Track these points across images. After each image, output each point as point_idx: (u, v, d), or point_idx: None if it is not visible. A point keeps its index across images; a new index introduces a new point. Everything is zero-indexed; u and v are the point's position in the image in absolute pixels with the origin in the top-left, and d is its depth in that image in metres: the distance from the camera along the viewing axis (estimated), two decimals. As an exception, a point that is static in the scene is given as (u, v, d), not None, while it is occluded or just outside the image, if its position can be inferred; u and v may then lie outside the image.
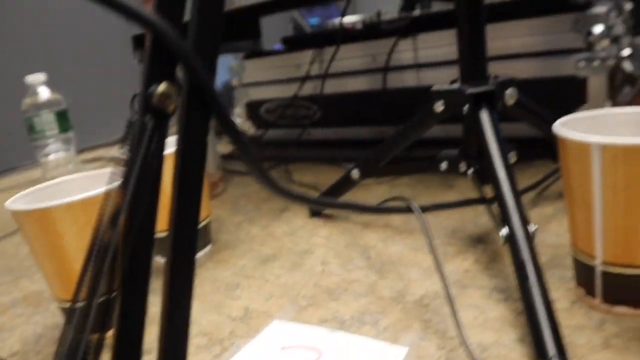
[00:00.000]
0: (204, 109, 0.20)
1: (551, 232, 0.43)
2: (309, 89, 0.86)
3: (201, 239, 0.49)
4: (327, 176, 0.71)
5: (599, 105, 0.67)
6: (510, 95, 0.42)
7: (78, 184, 0.41)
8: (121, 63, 1.53)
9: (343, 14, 0.63)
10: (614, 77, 0.72)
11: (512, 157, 0.44)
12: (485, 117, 0.38)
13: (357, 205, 0.44)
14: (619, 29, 0.72)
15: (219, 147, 0.96)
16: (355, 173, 0.50)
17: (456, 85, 0.41)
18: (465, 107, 0.40)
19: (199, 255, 0.50)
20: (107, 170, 0.42)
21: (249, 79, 0.97)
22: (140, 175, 0.18)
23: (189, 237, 0.20)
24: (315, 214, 0.55)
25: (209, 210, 0.51)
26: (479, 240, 0.44)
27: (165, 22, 0.18)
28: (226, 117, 0.21)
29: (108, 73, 1.58)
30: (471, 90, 0.39)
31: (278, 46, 1.16)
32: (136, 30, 0.87)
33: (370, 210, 0.43)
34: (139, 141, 0.18)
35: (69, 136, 0.69)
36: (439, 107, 0.42)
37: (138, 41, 0.87)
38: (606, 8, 0.64)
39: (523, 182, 0.53)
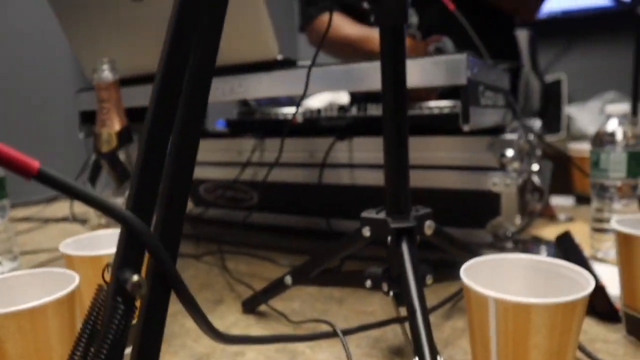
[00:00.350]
0: (166, 290, 0.24)
1: (460, 348, 0.49)
2: (248, 174, 0.90)
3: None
4: (261, 267, 0.75)
5: (510, 217, 0.75)
6: (429, 226, 0.48)
7: (23, 281, 0.43)
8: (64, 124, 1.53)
9: (298, 106, 0.69)
10: (524, 190, 0.81)
11: (429, 280, 0.49)
12: (405, 249, 0.44)
13: (284, 336, 0.48)
14: (530, 145, 0.82)
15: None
16: (288, 279, 0.54)
17: (382, 216, 0.47)
18: (388, 238, 0.45)
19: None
20: (54, 270, 0.43)
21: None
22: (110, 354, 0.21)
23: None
24: (248, 310, 0.59)
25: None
26: (397, 353, 0.49)
27: (137, 219, 0.22)
28: (188, 297, 0.24)
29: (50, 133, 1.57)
30: (394, 225, 0.45)
31: (221, 122, 1.20)
32: (85, 106, 0.89)
33: (296, 340, 0.47)
34: (109, 321, 0.21)
35: (3, 203, 0.70)
36: (366, 232, 0.48)
37: (85, 117, 0.89)
38: (517, 134, 0.73)
39: (445, 293, 0.58)
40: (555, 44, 2.42)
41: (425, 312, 0.40)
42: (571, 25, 2.35)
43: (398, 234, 0.45)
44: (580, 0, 2.30)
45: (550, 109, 2.24)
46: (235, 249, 0.84)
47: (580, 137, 2.24)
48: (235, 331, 0.54)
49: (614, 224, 0.49)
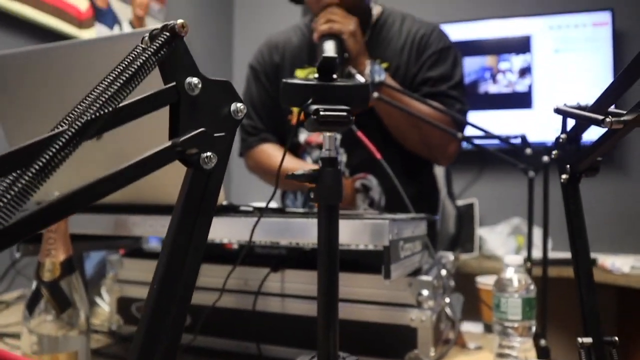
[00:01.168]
0: None
1: None
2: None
3: None
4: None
5: (426, 349, 0.83)
6: (355, 376, 0.55)
7: None
8: None
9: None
10: (438, 322, 0.90)
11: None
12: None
13: None
14: (443, 280, 0.92)
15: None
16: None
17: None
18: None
19: None
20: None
21: (125, 277, 1.02)
22: None
23: None
24: None
25: None
26: None
27: None
28: None
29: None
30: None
31: (154, 238, 1.24)
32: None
33: None
34: None
35: None
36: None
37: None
38: (432, 276, 0.83)
39: None
40: (468, 172, 2.68)
41: None
42: (482, 156, 2.62)
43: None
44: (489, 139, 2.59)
45: (465, 230, 2.44)
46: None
47: (490, 256, 2.43)
48: None
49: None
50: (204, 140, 0.29)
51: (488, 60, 2.71)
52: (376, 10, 1.39)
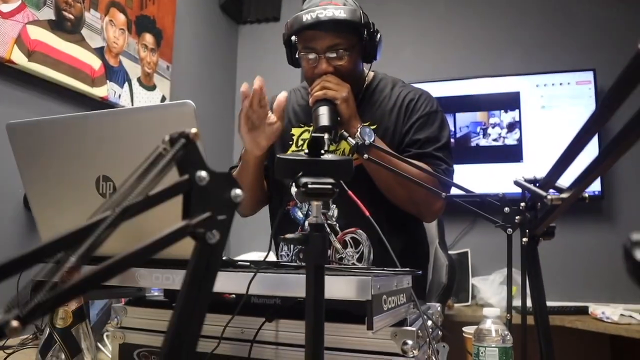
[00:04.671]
0: None
1: None
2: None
3: None
4: None
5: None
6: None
7: None
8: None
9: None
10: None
11: None
12: None
13: None
14: (429, 331, 0.98)
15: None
16: None
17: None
18: None
19: None
20: None
21: (127, 324, 1.08)
22: None
23: None
24: None
25: None
26: None
27: None
28: None
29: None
30: None
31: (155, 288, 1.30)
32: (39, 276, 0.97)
33: None
34: None
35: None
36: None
37: (36, 286, 0.98)
38: (417, 327, 0.89)
39: None
40: (462, 221, 2.75)
41: None
42: (475, 206, 2.69)
43: None
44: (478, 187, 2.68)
45: (459, 279, 2.50)
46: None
47: (484, 304, 2.48)
48: None
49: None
50: (210, 222, 0.38)
51: (479, 116, 2.83)
52: (369, 75, 1.51)
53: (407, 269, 0.96)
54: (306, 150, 0.62)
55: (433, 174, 1.25)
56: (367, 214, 1.10)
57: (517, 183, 0.65)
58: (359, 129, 1.22)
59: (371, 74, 1.52)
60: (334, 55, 1.33)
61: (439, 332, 1.14)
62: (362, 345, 0.89)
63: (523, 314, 1.08)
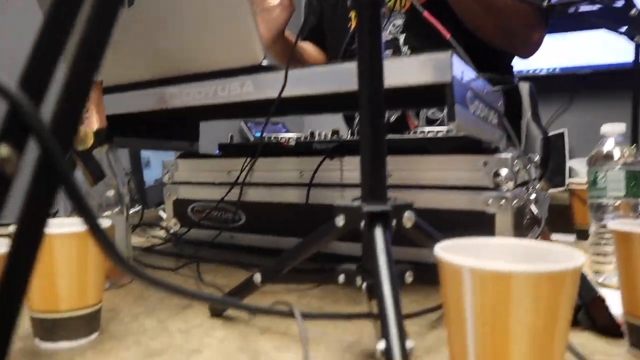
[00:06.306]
0: (51, 187, 0.20)
1: (444, 354, 0.44)
2: (237, 194, 0.87)
3: (87, 325, 0.47)
4: (239, 280, 0.70)
5: (504, 241, 0.71)
6: (408, 218, 0.45)
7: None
8: None
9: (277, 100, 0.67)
10: (522, 217, 0.77)
11: (409, 277, 0.45)
12: (378, 234, 0.40)
13: (243, 305, 0.44)
14: (528, 174, 0.79)
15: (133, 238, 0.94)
16: (257, 277, 0.50)
17: (356, 203, 0.44)
18: (362, 224, 0.42)
19: (82, 342, 0.47)
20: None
21: (180, 178, 0.98)
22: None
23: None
24: (215, 314, 0.54)
25: (99, 297, 0.48)
26: (371, 356, 0.44)
27: (25, 96, 0.19)
28: (78, 196, 0.21)
29: None
30: (368, 208, 0.42)
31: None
32: None
33: (249, 309, 0.43)
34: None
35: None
36: (339, 221, 0.44)
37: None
38: (511, 155, 0.70)
39: (428, 304, 0.53)
40: (557, 100, 2.44)
41: (397, 297, 0.36)
42: (572, 82, 2.37)
43: (372, 218, 0.42)
44: (579, 58, 2.33)
45: (553, 162, 2.23)
46: (215, 266, 0.79)
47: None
48: (197, 332, 0.49)
49: (612, 224, 0.45)
50: None
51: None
52: None
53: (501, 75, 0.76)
54: None
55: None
56: (448, 36, 0.89)
57: None
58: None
59: None
60: None
61: (538, 182, 0.93)
62: (444, 180, 0.72)
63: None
